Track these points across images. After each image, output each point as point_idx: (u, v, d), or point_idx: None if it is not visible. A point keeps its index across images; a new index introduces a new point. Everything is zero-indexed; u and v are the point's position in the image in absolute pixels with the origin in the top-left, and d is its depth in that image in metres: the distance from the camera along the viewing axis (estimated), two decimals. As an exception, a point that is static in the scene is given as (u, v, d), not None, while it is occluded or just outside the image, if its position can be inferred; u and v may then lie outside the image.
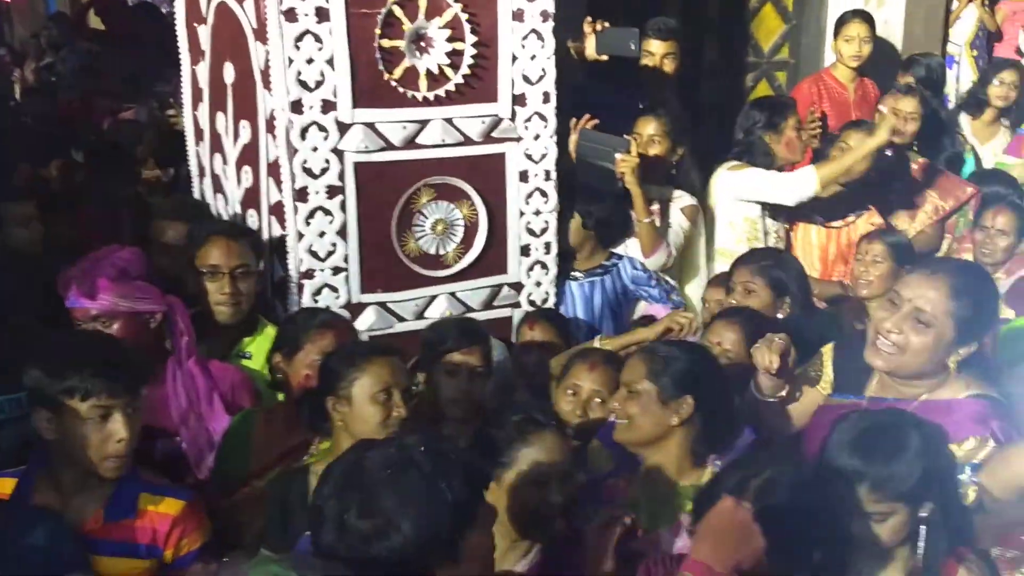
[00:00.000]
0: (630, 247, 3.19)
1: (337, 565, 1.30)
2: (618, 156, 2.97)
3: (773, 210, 3.43)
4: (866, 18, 4.11)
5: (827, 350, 2.20)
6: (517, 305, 2.98)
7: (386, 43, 2.62)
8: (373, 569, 1.28)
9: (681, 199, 3.26)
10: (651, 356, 1.92)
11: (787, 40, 4.71)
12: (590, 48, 3.34)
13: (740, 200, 3.37)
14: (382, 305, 2.74)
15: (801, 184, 3.26)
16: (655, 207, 3.15)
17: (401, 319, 2.76)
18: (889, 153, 3.41)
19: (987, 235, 3.24)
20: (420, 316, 2.78)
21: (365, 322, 2.72)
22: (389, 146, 2.68)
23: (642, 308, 3.21)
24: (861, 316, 2.97)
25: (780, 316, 2.66)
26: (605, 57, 3.34)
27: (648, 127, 3.19)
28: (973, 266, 2.36)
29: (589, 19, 3.31)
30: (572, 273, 3.11)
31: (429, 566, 1.30)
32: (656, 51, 3.57)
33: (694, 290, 3.37)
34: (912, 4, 4.61)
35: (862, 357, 1.98)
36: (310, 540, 1.34)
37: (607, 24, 3.29)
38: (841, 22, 4.13)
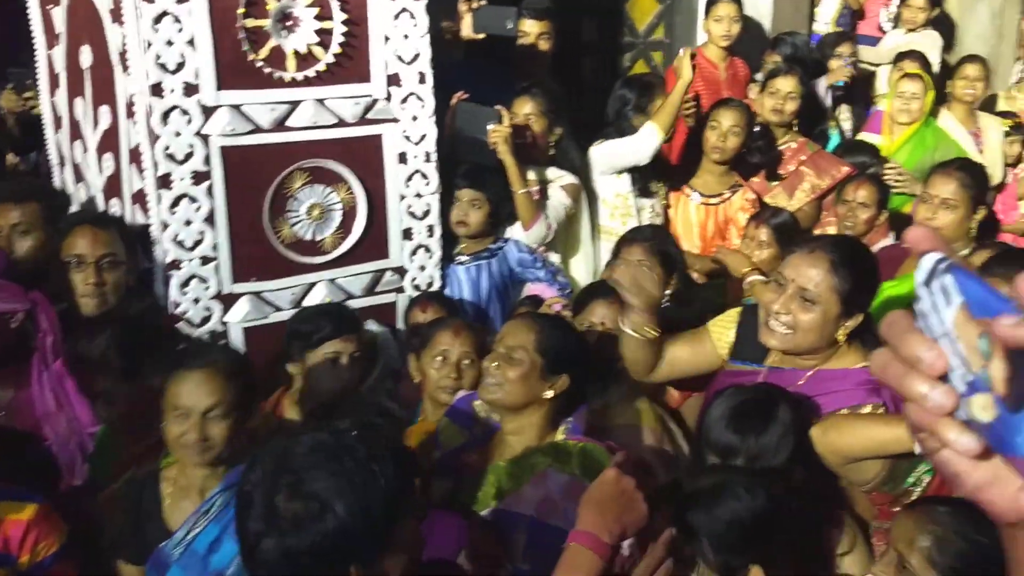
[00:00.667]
0: (516, 230, 3.19)
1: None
2: (490, 127, 2.96)
3: (643, 185, 3.48)
4: (734, -2, 4.22)
5: (733, 313, 2.23)
6: (401, 290, 2.94)
7: (250, 23, 2.52)
8: (303, 561, 1.21)
9: (562, 178, 3.27)
10: (542, 328, 1.92)
11: (662, 20, 4.81)
12: (466, 28, 3.32)
13: (605, 175, 3.42)
14: (256, 295, 2.65)
15: (645, 138, 3.31)
16: (532, 179, 3.15)
17: (278, 308, 2.68)
18: (757, 129, 3.52)
19: (849, 208, 3.36)
20: (298, 304, 2.70)
21: (239, 313, 2.63)
22: (257, 129, 2.59)
23: (527, 289, 3.23)
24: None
25: (668, 292, 2.70)
26: (482, 36, 3.32)
27: (524, 107, 3.19)
28: (849, 239, 2.41)
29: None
30: (458, 257, 3.10)
31: (362, 555, 1.24)
32: (531, 30, 3.57)
33: (579, 266, 3.40)
34: (779, -16, 4.77)
35: None
36: (166, 549, 1.27)
37: (483, 2, 3.27)
38: (711, 2, 4.22)
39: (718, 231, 3.63)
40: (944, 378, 0.54)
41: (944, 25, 5.45)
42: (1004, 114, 4.71)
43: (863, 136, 4.40)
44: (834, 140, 4.31)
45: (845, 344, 2.00)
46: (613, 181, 3.42)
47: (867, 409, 1.91)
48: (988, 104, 5.03)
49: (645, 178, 3.48)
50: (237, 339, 2.62)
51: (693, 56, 3.39)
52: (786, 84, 3.71)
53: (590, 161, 3.47)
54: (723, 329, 2.22)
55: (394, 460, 1.28)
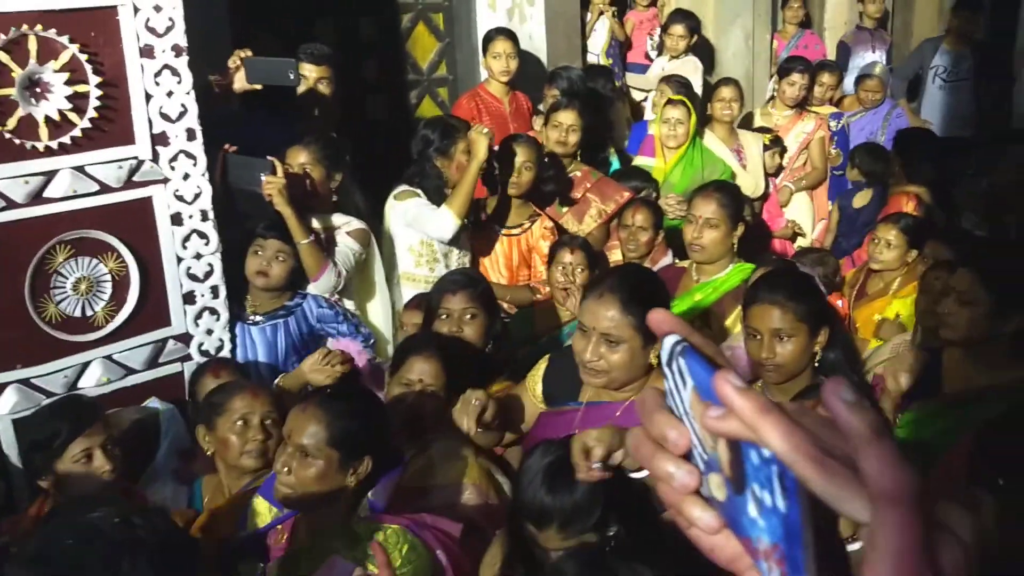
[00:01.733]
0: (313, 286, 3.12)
1: None
2: (263, 178, 2.91)
3: None
4: (509, 35, 4.37)
5: (542, 364, 2.32)
6: (188, 358, 2.81)
7: (-6, 92, 2.34)
8: None
9: (348, 223, 3.24)
10: (332, 419, 1.81)
11: (443, 57, 4.90)
12: (239, 80, 3.24)
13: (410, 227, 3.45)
14: (24, 382, 2.45)
15: (442, 223, 3.34)
16: (317, 228, 3.12)
17: (50, 394, 2.49)
18: (546, 160, 3.65)
19: (630, 232, 3.58)
20: (72, 387, 2.52)
21: (6, 404, 2.41)
22: (11, 204, 2.40)
23: (331, 344, 3.16)
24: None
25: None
26: (259, 87, 3.26)
27: (299, 156, 3.14)
28: (632, 271, 2.51)
29: (238, 52, 3.21)
30: (251, 316, 3.00)
31: None
32: (311, 75, 3.54)
33: (376, 312, 3.39)
34: (551, 19, 4.98)
35: (573, 365, 2.10)
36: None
37: (250, 53, 3.21)
38: (487, 40, 4.37)
39: (523, 260, 3.73)
40: (690, 456, 0.55)
41: (704, 49, 5.89)
42: (762, 129, 5.16)
43: (639, 160, 4.68)
44: (614, 165, 4.54)
45: (656, 370, 2.09)
46: (416, 231, 3.45)
47: None
48: (748, 120, 5.50)
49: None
50: (6, 433, 2.41)
51: (491, 136, 3.44)
52: (567, 117, 3.88)
53: (388, 210, 3.47)
54: (534, 383, 2.31)
55: (154, 551, 1.22)
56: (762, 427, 0.48)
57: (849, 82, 5.93)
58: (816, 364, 2.21)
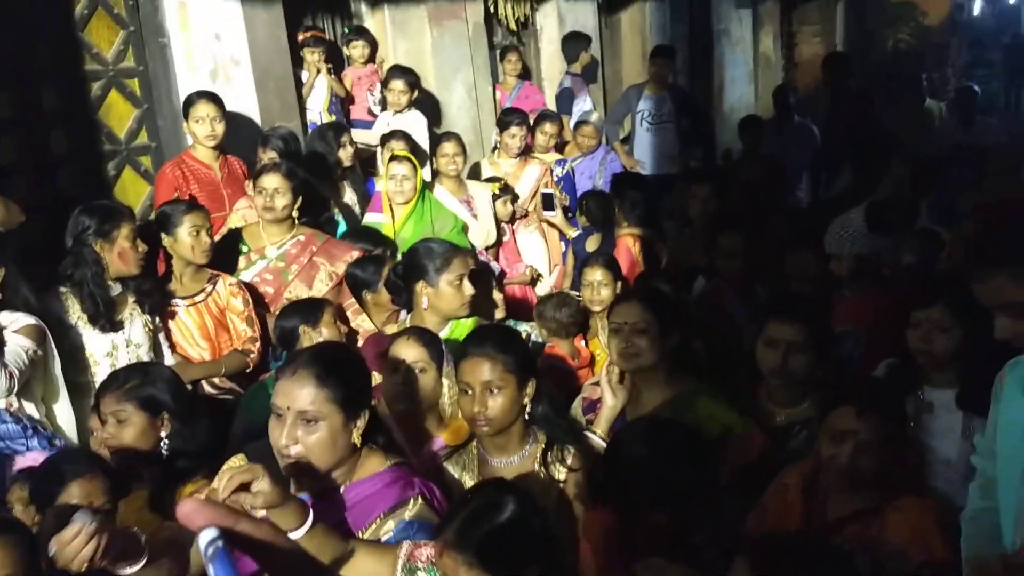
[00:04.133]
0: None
1: None
2: None
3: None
4: (212, 98, 4.09)
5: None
6: None
7: None
8: None
9: (15, 321, 2.81)
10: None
11: (143, 124, 4.51)
12: None
13: None
14: None
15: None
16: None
17: None
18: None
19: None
20: None
21: None
22: None
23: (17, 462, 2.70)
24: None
25: (164, 435, 2.42)
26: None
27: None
28: (326, 348, 2.36)
29: None
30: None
31: None
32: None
33: (62, 413, 2.97)
34: (260, 79, 4.75)
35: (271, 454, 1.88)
36: None
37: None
38: (187, 104, 4.06)
39: (219, 325, 3.50)
40: None
41: (428, 103, 5.91)
42: (492, 178, 5.22)
43: (369, 217, 4.55)
44: (341, 226, 4.38)
45: (365, 448, 1.94)
46: None
47: (410, 504, 1.88)
48: (478, 169, 5.57)
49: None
50: None
51: None
52: (271, 181, 3.66)
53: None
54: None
55: None
56: None
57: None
58: (527, 417, 2.26)
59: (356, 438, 1.90)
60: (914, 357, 2.56)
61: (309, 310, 3.23)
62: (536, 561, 1.71)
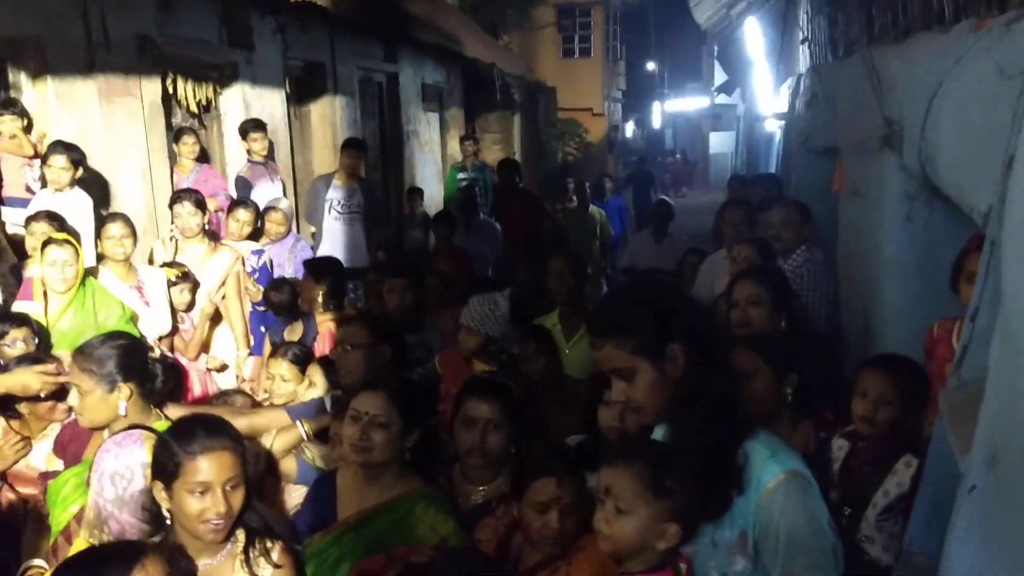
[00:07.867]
0: None
1: None
2: None
3: None
4: None
5: None
6: None
7: None
8: None
9: None
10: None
11: None
12: None
13: None
14: None
15: None
16: None
17: None
18: None
19: None
20: None
21: None
22: None
23: None
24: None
25: None
26: None
27: None
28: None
29: None
30: None
31: None
32: None
33: None
34: None
35: None
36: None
37: None
38: None
39: None
40: None
41: (96, 182, 5.41)
42: (172, 264, 4.84)
43: (19, 305, 4.01)
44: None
45: None
46: None
47: None
48: (152, 254, 5.16)
49: None
50: None
51: None
52: None
53: None
54: None
55: None
56: None
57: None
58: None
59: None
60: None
61: None
62: None
